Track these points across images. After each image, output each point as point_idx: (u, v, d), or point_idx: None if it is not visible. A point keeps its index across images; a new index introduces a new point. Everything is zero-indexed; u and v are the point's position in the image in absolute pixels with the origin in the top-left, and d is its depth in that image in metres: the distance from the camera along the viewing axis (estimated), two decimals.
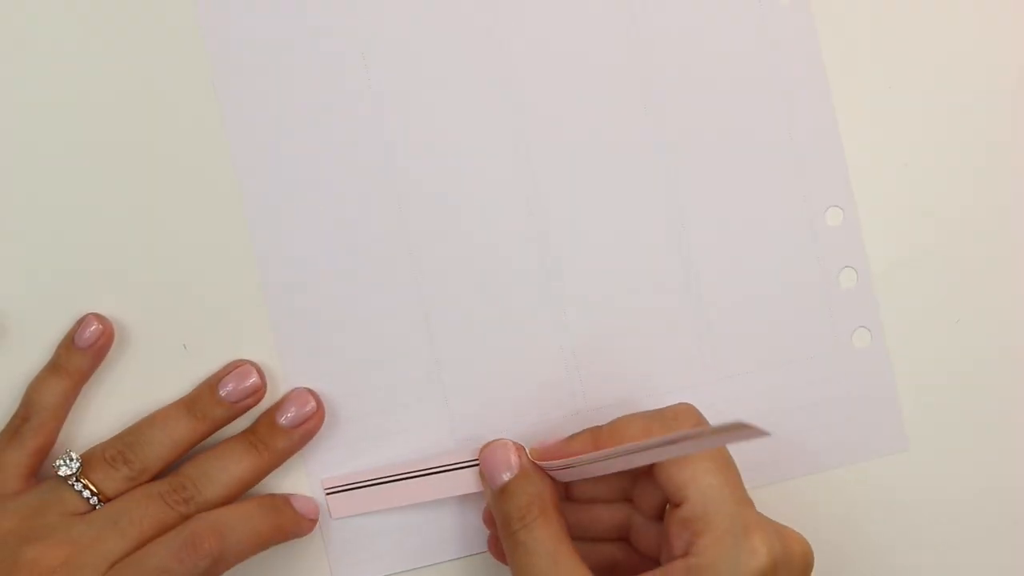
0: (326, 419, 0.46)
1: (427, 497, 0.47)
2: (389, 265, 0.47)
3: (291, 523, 0.45)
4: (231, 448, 0.45)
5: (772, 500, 0.47)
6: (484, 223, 0.47)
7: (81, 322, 0.46)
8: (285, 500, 0.46)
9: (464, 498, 0.47)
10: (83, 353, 0.45)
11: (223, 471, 0.44)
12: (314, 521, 0.46)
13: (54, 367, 0.46)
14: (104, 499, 0.43)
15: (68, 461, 0.44)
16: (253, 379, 0.46)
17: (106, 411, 0.46)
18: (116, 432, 0.46)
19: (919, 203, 0.47)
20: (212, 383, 0.46)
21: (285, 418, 0.46)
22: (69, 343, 0.46)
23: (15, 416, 0.45)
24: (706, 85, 0.47)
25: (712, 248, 0.47)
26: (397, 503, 0.47)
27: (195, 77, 0.46)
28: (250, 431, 0.46)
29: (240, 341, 0.47)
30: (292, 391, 0.46)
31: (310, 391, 0.46)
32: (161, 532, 0.42)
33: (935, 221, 0.47)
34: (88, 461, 0.44)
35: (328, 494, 0.47)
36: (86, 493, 0.43)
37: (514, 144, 0.47)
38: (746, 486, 0.46)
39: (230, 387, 0.45)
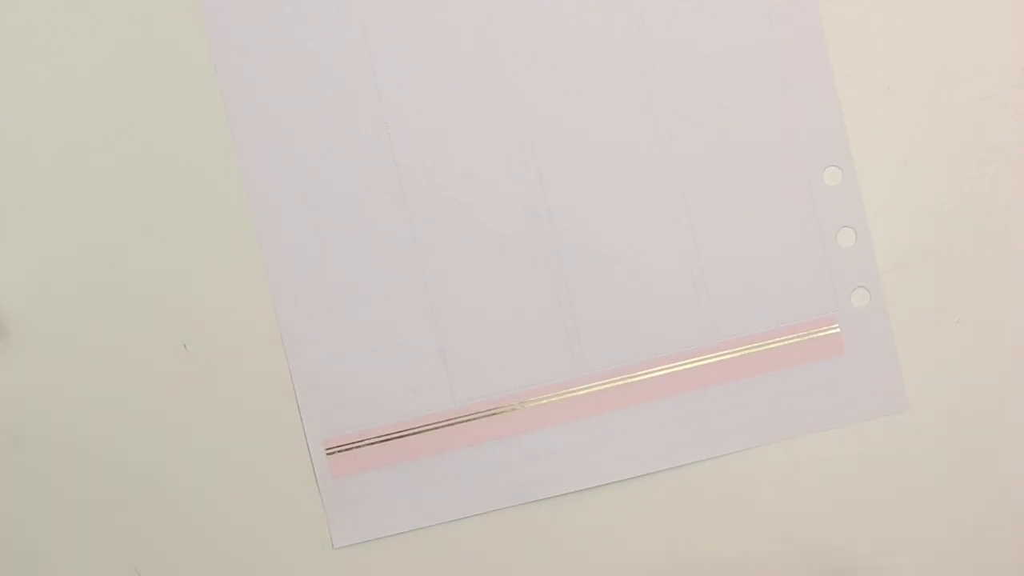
0: (329, 382, 0.47)
1: (429, 453, 0.47)
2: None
3: None
4: None
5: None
6: (487, 206, 0.47)
7: None
8: None
9: (465, 459, 0.47)
10: None
11: None
12: None
13: None
14: None
15: None
16: None
17: (107, 412, 0.47)
18: (116, 431, 0.46)
19: (919, 203, 0.47)
20: None
21: None
22: None
23: None
24: (702, 53, 0.47)
25: (710, 209, 0.47)
26: (399, 460, 0.47)
27: (200, 76, 0.46)
28: None
29: (241, 341, 0.47)
30: None
31: None
32: None
33: (935, 221, 0.47)
34: None
35: (329, 454, 0.47)
36: None
37: (514, 122, 0.47)
38: (744, 446, 0.47)
39: None
